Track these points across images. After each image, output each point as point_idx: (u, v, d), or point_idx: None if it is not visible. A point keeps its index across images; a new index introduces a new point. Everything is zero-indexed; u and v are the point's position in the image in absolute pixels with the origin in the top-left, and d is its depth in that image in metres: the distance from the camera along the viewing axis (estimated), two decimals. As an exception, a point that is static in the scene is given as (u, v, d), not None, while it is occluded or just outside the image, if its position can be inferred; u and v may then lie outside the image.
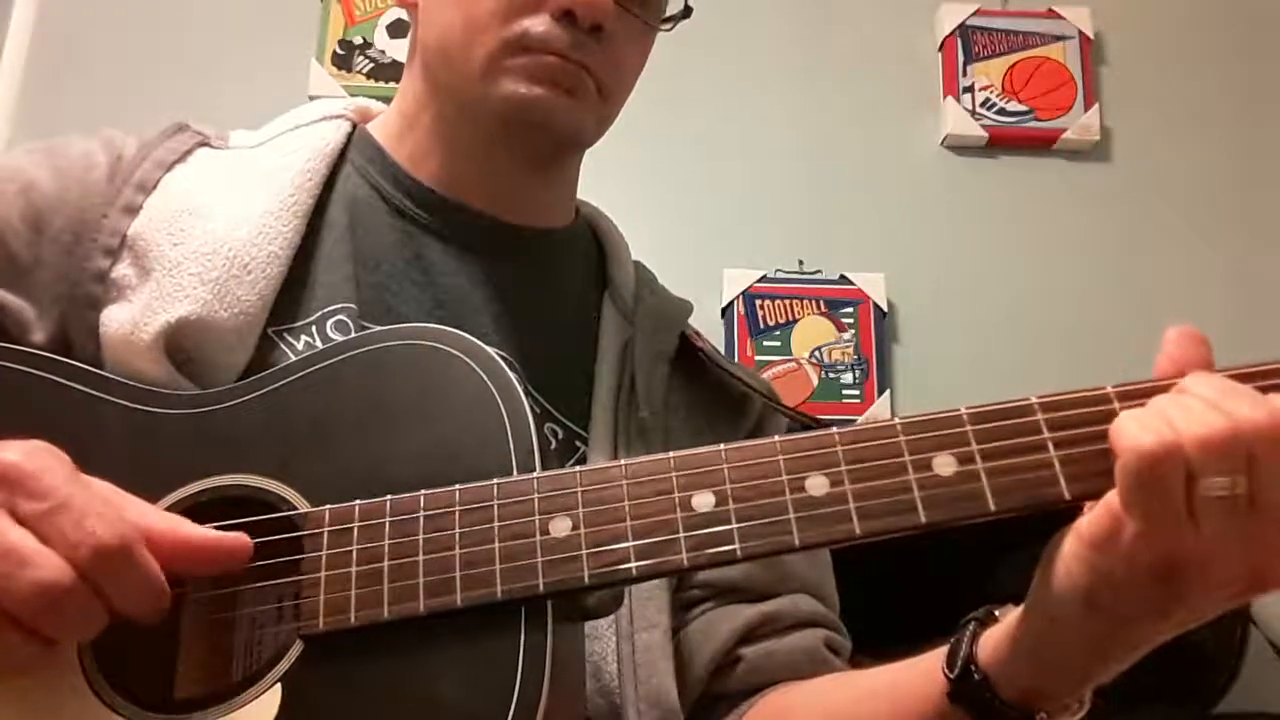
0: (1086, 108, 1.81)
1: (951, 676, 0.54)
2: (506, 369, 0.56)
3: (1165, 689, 1.30)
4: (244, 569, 0.52)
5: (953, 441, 0.49)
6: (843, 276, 1.73)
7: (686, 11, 0.75)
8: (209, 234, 0.64)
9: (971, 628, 0.55)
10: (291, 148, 0.71)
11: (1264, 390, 0.46)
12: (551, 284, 0.76)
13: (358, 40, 1.82)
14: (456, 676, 0.49)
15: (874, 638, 0.79)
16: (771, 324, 1.70)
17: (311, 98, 1.76)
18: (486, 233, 0.74)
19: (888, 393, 1.69)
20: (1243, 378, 0.47)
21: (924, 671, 0.58)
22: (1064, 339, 1.74)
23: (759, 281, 1.72)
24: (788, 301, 1.72)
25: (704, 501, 0.50)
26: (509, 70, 0.68)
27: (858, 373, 1.69)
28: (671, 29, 0.75)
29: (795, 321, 1.71)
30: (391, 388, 0.57)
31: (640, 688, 0.64)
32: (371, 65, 1.81)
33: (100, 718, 0.50)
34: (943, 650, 0.57)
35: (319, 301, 0.67)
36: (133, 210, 0.65)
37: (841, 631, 0.75)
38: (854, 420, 1.64)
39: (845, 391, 1.68)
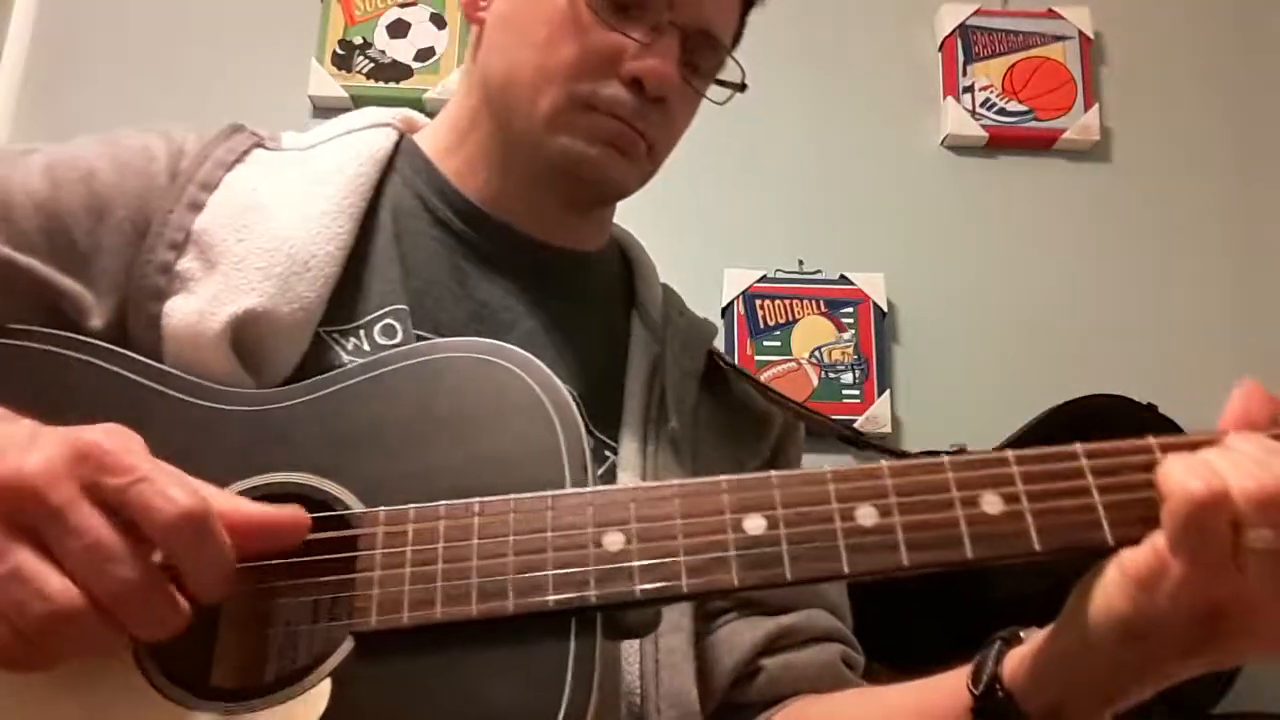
0: (1086, 108, 1.82)
1: (977, 693, 0.56)
2: (561, 386, 0.58)
3: (1166, 689, 1.30)
4: (300, 561, 0.53)
5: (999, 480, 0.50)
6: (843, 276, 1.74)
7: (742, 87, 0.78)
8: (271, 231, 0.66)
9: (997, 646, 0.57)
10: (346, 153, 0.73)
11: None
12: (583, 302, 0.78)
13: (358, 40, 1.82)
14: (505, 682, 0.50)
15: (880, 643, 0.80)
16: (771, 324, 1.71)
17: (311, 98, 1.78)
18: (524, 251, 0.76)
19: (888, 393, 1.69)
20: None
21: (948, 690, 0.59)
22: (1063, 339, 1.74)
23: (759, 281, 1.72)
24: (788, 301, 1.72)
25: (755, 524, 0.51)
26: (572, 126, 0.70)
27: (858, 373, 1.69)
28: (724, 103, 0.79)
29: (795, 321, 1.71)
30: (449, 397, 0.58)
31: (661, 688, 0.65)
32: (371, 65, 1.81)
33: (152, 701, 0.51)
34: (967, 668, 0.58)
35: (369, 305, 0.68)
36: (197, 207, 0.66)
37: (856, 647, 0.77)
38: (854, 420, 1.64)
39: (845, 391, 1.68)
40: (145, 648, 0.52)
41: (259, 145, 0.72)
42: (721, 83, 0.78)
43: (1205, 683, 1.32)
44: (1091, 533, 0.49)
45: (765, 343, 1.70)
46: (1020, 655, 0.55)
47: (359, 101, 1.78)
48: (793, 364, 1.69)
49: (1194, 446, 0.49)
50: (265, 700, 0.51)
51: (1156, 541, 0.46)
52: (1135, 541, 0.48)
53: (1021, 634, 0.56)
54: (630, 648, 0.66)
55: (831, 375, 1.69)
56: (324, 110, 1.79)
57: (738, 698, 0.71)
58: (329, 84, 1.79)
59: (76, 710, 0.50)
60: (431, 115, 0.81)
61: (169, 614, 0.47)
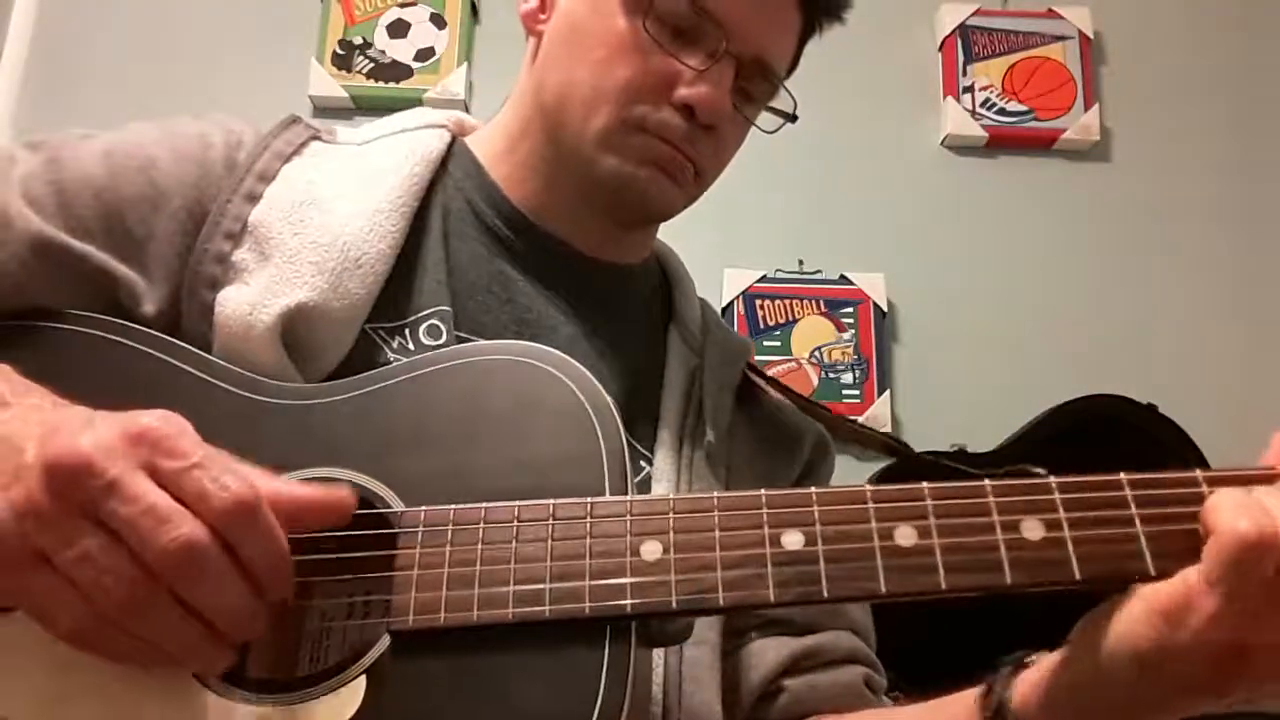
0: (1086, 108, 1.82)
1: (988, 717, 0.56)
2: (602, 390, 0.58)
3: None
4: (340, 557, 0.53)
5: (1041, 506, 0.50)
6: (843, 276, 1.74)
7: (793, 117, 0.79)
8: (325, 226, 0.66)
9: (1007, 670, 0.57)
10: (401, 151, 0.73)
11: None
12: (623, 314, 0.78)
13: (358, 40, 1.82)
14: (539, 687, 0.50)
15: (899, 659, 0.81)
16: (771, 324, 1.71)
17: (311, 98, 1.78)
18: (567, 261, 0.76)
19: (888, 393, 1.69)
20: None
21: (957, 712, 0.59)
22: (1063, 339, 1.74)
23: (759, 281, 1.72)
24: (788, 301, 1.72)
25: (794, 540, 0.51)
26: (622, 147, 0.71)
27: (858, 373, 1.69)
28: (775, 131, 0.79)
29: (795, 321, 1.71)
30: (491, 399, 0.58)
31: (684, 701, 0.65)
32: (371, 65, 1.81)
33: (191, 688, 0.51)
34: (976, 691, 0.58)
35: (415, 305, 0.68)
36: (254, 198, 0.66)
37: (879, 670, 0.77)
38: (854, 421, 1.64)
39: (845, 391, 1.68)
40: None
41: (316, 138, 0.73)
42: (774, 110, 0.79)
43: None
44: (1133, 563, 0.48)
45: (765, 343, 1.70)
46: (1031, 681, 0.55)
47: (359, 102, 1.78)
48: (793, 364, 1.69)
49: (1242, 482, 0.48)
50: (301, 694, 0.51)
51: (1187, 575, 0.46)
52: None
53: (1031, 659, 0.56)
54: (654, 659, 0.66)
55: (831, 375, 1.69)
56: (324, 111, 1.79)
57: (760, 716, 0.72)
58: (329, 84, 1.79)
59: (120, 694, 0.51)
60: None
61: (233, 584, 0.47)
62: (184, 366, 0.60)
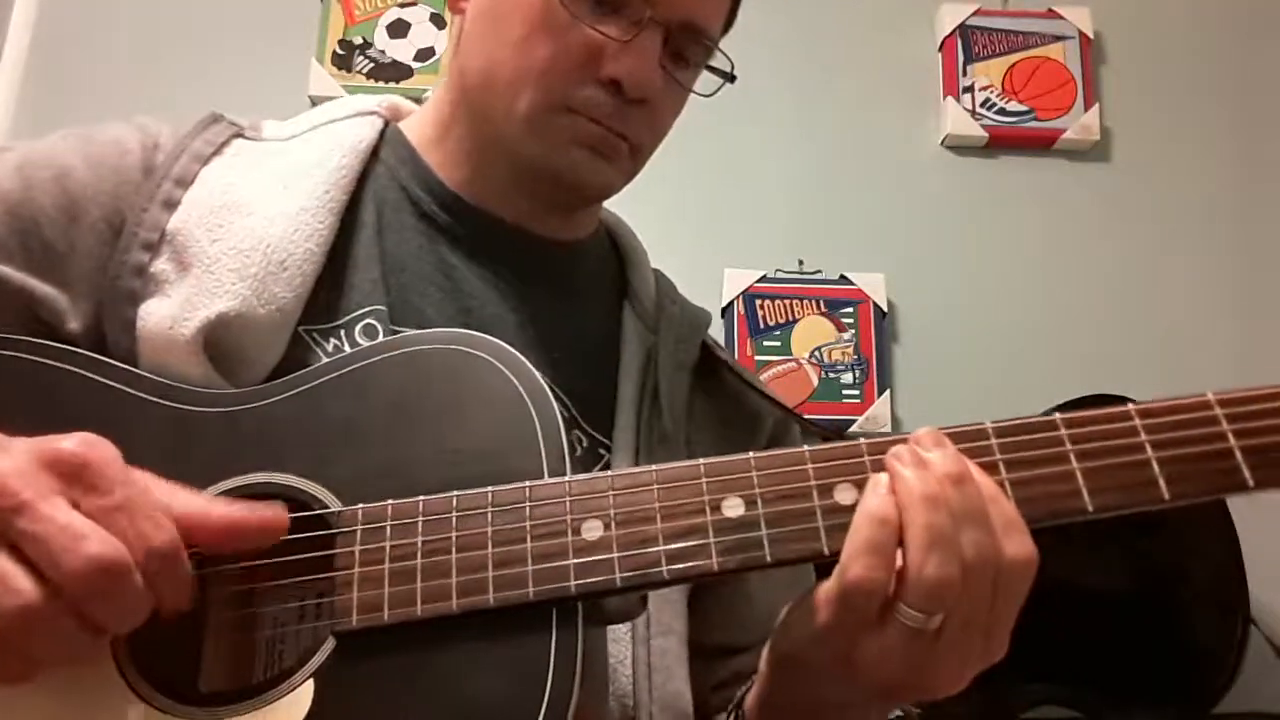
0: (1086, 108, 1.82)
1: None
2: (538, 375, 0.57)
3: (1165, 689, 1.30)
4: (281, 562, 0.53)
5: (978, 453, 0.51)
6: (843, 276, 1.74)
7: (731, 77, 0.75)
8: (247, 230, 0.64)
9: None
10: (327, 144, 0.70)
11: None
12: (574, 294, 0.76)
13: (358, 40, 1.82)
14: (488, 676, 0.50)
15: None
16: (771, 324, 1.71)
17: (311, 98, 1.78)
18: (510, 243, 0.74)
19: (888, 393, 1.69)
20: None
21: None
22: (1063, 339, 1.74)
23: (759, 281, 1.72)
24: (788, 301, 1.72)
25: (734, 508, 0.51)
26: (549, 129, 0.68)
27: (858, 373, 1.69)
28: (712, 95, 0.75)
29: (795, 321, 1.71)
30: (424, 390, 0.57)
31: (655, 692, 0.65)
32: (371, 65, 1.81)
33: (135, 709, 0.50)
34: None
35: (349, 304, 0.66)
36: (172, 205, 0.64)
37: None
38: (853, 421, 1.64)
39: (845, 391, 1.68)
40: (128, 655, 0.51)
41: (239, 135, 0.70)
42: (712, 69, 0.75)
43: (1206, 682, 1.31)
44: (1071, 501, 0.50)
45: (765, 343, 1.70)
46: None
47: (359, 101, 1.78)
48: (793, 364, 1.69)
49: (1173, 417, 0.51)
50: (248, 704, 0.50)
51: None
52: (1116, 509, 0.49)
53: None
54: (623, 651, 0.65)
55: (831, 375, 1.69)
56: (324, 110, 1.79)
57: None
58: (329, 84, 1.78)
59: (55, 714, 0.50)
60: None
61: (140, 599, 0.47)
62: (110, 383, 0.58)
